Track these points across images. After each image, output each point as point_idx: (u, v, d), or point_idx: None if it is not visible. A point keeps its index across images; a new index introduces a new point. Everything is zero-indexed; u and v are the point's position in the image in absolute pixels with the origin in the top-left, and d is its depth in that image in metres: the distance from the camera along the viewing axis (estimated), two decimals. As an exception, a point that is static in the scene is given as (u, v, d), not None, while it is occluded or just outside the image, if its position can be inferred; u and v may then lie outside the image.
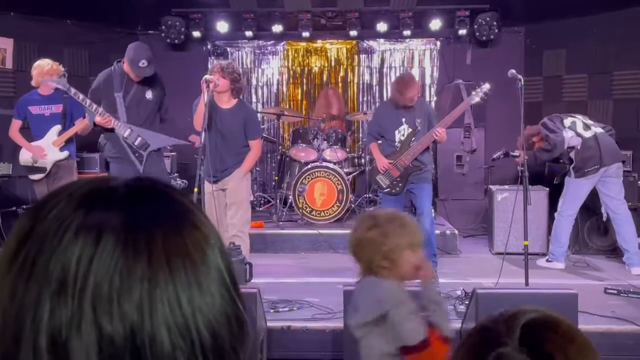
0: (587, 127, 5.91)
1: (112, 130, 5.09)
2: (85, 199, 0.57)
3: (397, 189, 5.55)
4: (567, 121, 5.91)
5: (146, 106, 5.18)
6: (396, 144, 5.54)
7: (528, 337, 0.85)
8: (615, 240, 6.13)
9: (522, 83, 4.84)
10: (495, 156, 6.39)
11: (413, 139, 5.46)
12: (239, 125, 5.11)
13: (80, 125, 5.96)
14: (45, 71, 5.93)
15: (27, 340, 0.52)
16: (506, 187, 6.80)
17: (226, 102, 5.14)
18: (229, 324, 0.57)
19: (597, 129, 5.91)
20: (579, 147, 5.82)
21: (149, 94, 5.17)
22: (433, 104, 8.92)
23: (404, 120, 5.51)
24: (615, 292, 4.92)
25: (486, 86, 5.38)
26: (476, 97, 5.40)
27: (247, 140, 5.17)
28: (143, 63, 5.00)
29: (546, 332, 0.86)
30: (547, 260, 6.02)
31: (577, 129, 5.87)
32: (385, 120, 5.67)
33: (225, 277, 0.59)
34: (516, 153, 6.10)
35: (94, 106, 4.97)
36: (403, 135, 5.51)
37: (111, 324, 0.51)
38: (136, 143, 5.09)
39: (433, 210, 7.54)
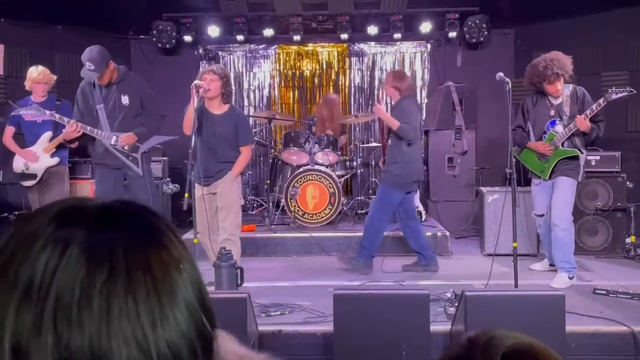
0: None
1: (93, 138, 5.24)
2: (57, 215, 0.59)
3: None
4: None
5: (123, 111, 5.25)
6: None
7: None
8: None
9: (510, 86, 4.87)
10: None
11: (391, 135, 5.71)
12: (230, 131, 5.12)
13: (63, 136, 5.90)
14: (34, 78, 5.95)
15: None
16: (496, 188, 6.82)
17: (217, 108, 5.15)
18: (191, 342, 0.58)
19: None
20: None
21: (125, 99, 5.25)
22: (424, 106, 8.98)
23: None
24: (604, 292, 4.96)
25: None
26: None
27: (239, 146, 5.19)
28: (90, 66, 4.99)
29: None
30: (570, 277, 5.43)
31: None
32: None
33: (192, 297, 0.60)
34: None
35: (65, 119, 5.15)
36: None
37: (69, 333, 0.53)
38: (126, 148, 5.23)
39: (424, 212, 7.60)
